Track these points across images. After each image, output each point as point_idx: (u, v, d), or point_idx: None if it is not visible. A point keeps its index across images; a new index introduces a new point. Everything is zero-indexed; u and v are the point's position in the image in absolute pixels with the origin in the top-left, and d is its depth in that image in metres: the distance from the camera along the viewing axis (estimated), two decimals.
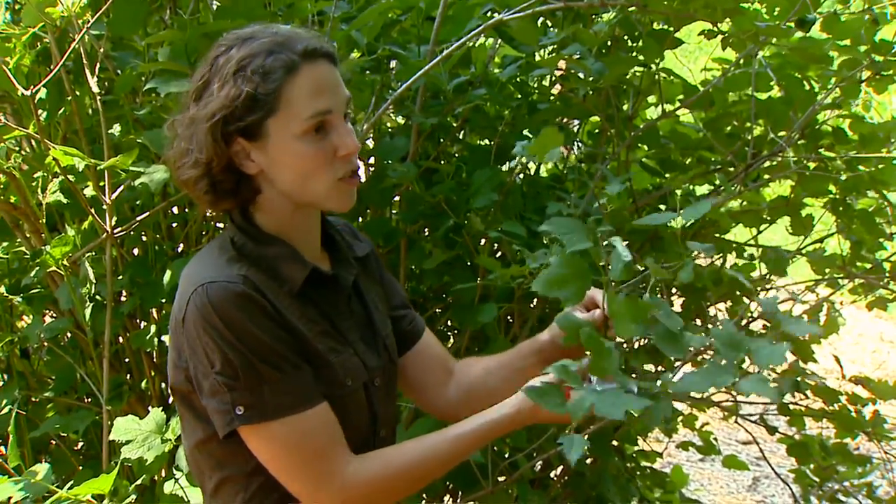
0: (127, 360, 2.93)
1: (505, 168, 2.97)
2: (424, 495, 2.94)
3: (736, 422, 3.38)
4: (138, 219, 2.59)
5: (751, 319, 3.13)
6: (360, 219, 2.99)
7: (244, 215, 1.77)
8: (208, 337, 1.62)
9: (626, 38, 2.87)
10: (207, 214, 2.84)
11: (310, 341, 1.69)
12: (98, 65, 2.51)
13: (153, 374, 2.85)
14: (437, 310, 3.00)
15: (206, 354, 1.62)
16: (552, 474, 3.23)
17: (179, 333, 1.68)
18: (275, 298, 1.67)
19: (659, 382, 1.60)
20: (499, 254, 3.00)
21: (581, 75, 2.81)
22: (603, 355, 1.61)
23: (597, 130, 3.19)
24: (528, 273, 2.35)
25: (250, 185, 1.73)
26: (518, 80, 2.97)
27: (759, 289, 3.03)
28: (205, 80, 1.68)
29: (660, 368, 3.27)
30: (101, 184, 2.50)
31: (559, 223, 1.73)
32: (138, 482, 2.41)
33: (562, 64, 2.91)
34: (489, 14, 2.80)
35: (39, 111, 2.54)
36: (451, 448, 1.71)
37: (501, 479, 2.83)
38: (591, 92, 2.86)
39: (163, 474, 2.59)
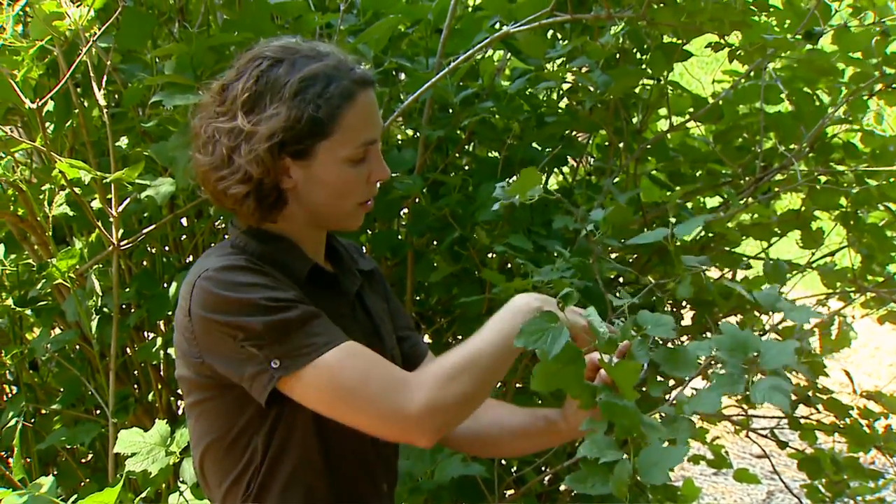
0: (136, 372, 2.93)
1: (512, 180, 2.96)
2: None
3: (747, 436, 3.35)
4: (144, 231, 2.59)
5: (762, 333, 3.11)
6: (369, 231, 2.99)
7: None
8: (222, 315, 1.61)
9: (634, 51, 2.87)
10: (215, 225, 2.84)
11: None
12: (105, 77, 2.51)
13: (160, 386, 2.85)
14: (444, 322, 2.99)
15: (227, 331, 1.61)
16: (560, 488, 3.21)
17: (187, 328, 1.67)
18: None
19: (673, 400, 1.57)
20: (507, 266, 2.99)
21: (590, 88, 2.80)
22: (624, 417, 1.57)
23: (606, 143, 3.18)
24: (532, 287, 2.34)
25: (281, 198, 1.74)
26: (527, 92, 2.96)
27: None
28: (253, 93, 1.66)
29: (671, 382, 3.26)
30: (108, 196, 2.50)
31: (531, 327, 1.67)
32: (143, 495, 2.41)
33: (571, 76, 2.90)
34: (497, 26, 2.80)
35: (47, 124, 2.55)
36: (495, 335, 1.67)
37: (509, 493, 2.82)
38: (598, 105, 2.85)
39: (169, 486, 2.59)
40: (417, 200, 2.79)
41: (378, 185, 1.78)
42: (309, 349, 1.60)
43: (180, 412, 2.92)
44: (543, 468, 2.83)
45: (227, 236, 2.60)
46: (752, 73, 2.75)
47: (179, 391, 2.85)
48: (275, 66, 1.67)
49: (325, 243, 1.87)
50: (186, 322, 1.67)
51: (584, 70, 2.66)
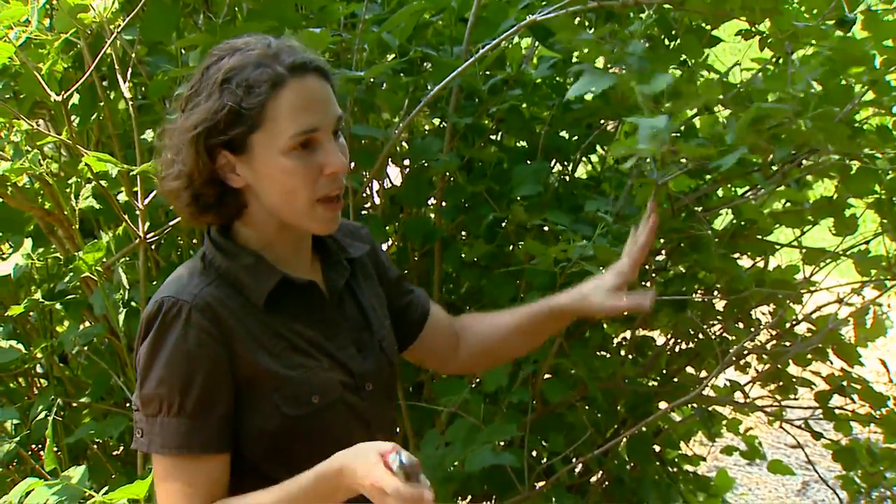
0: None
1: None
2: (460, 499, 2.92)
3: (781, 426, 3.32)
4: (171, 224, 2.58)
5: (795, 322, 3.08)
6: (397, 223, 2.98)
7: (222, 230, 1.73)
8: (143, 353, 1.63)
9: (663, 38, 2.83)
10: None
11: (263, 364, 1.64)
12: (131, 69, 2.51)
13: None
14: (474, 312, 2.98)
15: (140, 369, 1.64)
16: (591, 479, 3.19)
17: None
18: (234, 317, 1.63)
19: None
20: None
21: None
22: None
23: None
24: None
25: (236, 199, 1.69)
26: (556, 80, 2.93)
27: (802, 291, 2.97)
28: (194, 90, 1.63)
29: (703, 373, 3.23)
30: (135, 189, 2.50)
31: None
32: None
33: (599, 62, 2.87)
34: (525, 12, 2.77)
35: (73, 117, 2.55)
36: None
37: (539, 484, 2.80)
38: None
39: None
40: (451, 181, 2.79)
41: (343, 178, 1.68)
42: (161, 444, 1.61)
43: None
44: (573, 458, 2.81)
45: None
46: (780, 60, 2.71)
47: None
48: (215, 63, 1.63)
49: (313, 238, 1.81)
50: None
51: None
